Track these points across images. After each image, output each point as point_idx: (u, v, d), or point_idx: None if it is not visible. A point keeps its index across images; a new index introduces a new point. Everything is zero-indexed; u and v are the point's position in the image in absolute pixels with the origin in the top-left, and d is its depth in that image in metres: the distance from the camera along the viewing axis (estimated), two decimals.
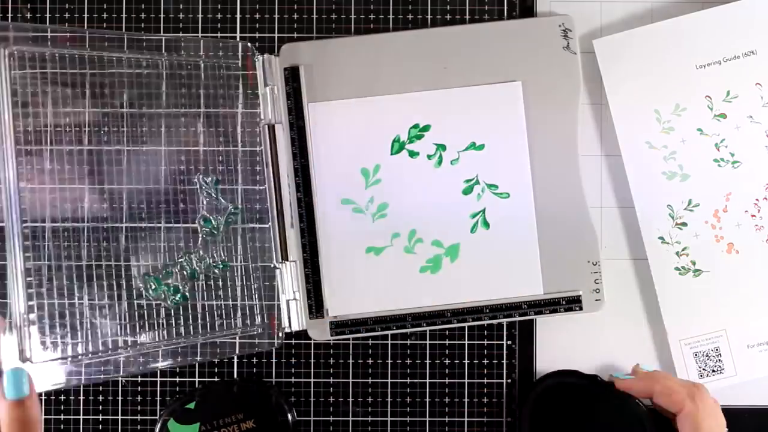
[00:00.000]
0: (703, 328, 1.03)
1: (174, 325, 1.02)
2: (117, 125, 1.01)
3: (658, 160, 1.03)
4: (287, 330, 1.01)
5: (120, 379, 1.03)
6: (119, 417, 1.02)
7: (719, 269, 1.03)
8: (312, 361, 1.04)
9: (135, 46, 1.02)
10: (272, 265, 1.01)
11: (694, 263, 1.03)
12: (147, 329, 1.01)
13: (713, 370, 1.03)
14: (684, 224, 1.03)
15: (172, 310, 1.01)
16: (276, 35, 1.03)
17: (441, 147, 1.02)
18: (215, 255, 1.02)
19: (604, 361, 1.04)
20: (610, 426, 1.01)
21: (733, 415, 1.04)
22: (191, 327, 1.02)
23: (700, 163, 1.03)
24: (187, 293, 1.01)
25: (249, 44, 1.02)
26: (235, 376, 1.04)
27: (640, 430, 1.00)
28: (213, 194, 1.02)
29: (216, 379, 1.04)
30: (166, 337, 1.01)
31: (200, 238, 1.02)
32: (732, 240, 1.03)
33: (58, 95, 1.01)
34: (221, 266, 1.02)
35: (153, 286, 1.01)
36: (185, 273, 1.02)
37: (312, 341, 1.03)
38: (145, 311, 1.01)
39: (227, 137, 1.02)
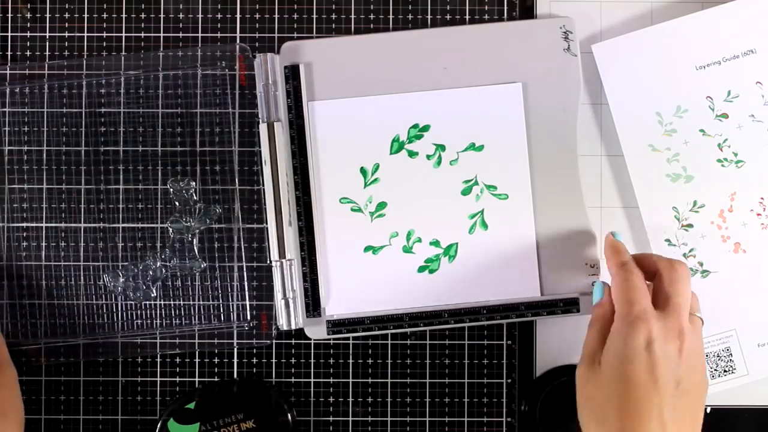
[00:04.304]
0: (713, 329, 1.03)
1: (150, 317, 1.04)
2: (115, 127, 1.02)
3: (661, 162, 1.02)
4: (284, 328, 1.01)
5: (120, 379, 1.03)
6: (119, 417, 1.03)
7: (727, 269, 1.03)
8: (312, 361, 1.04)
9: (132, 61, 1.03)
10: (268, 263, 1.02)
11: (701, 264, 1.02)
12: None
13: (725, 371, 1.02)
14: (690, 226, 1.02)
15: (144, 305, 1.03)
16: (276, 35, 1.03)
17: (440, 147, 1.02)
18: (188, 256, 1.03)
19: None
20: None
21: (733, 414, 1.04)
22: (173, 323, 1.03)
23: (703, 164, 1.02)
24: (152, 291, 1.02)
25: (245, 45, 1.02)
26: (235, 376, 1.04)
27: None
28: (186, 196, 1.03)
29: (216, 379, 1.04)
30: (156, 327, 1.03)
31: (170, 239, 1.03)
32: (739, 239, 1.02)
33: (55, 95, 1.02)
34: (197, 267, 1.03)
35: (111, 282, 1.02)
36: (149, 272, 1.03)
37: (312, 341, 1.03)
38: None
39: (223, 137, 1.02)
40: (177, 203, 1.02)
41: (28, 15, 1.02)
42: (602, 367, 0.88)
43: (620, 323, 0.88)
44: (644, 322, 0.86)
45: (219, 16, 1.03)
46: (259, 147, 1.02)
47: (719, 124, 1.02)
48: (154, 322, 1.03)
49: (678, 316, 0.88)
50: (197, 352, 1.03)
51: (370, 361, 1.04)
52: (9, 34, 1.02)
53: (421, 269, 1.02)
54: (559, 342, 1.04)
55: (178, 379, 1.04)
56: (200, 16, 1.03)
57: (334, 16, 1.04)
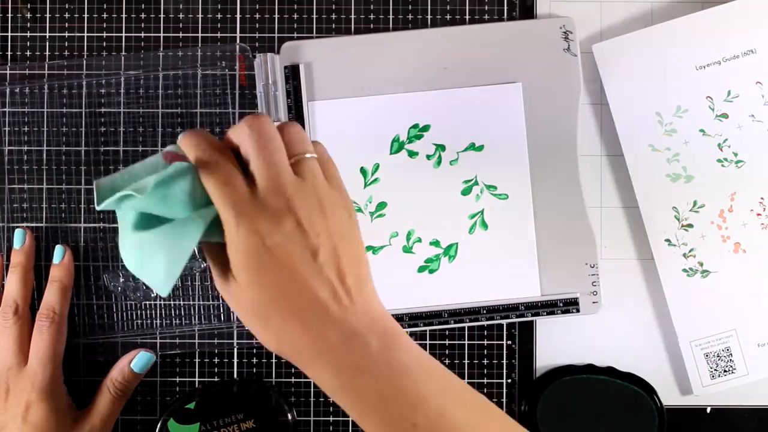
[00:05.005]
0: (713, 329, 1.03)
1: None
2: (115, 127, 1.02)
3: (661, 162, 1.02)
4: None
5: None
6: (119, 417, 1.02)
7: (727, 269, 1.03)
8: None
9: (132, 61, 1.03)
10: None
11: (701, 264, 1.02)
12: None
13: (725, 371, 1.02)
14: (690, 226, 1.02)
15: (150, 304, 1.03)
16: (276, 35, 1.03)
17: (440, 147, 1.02)
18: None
19: (607, 362, 1.04)
20: (623, 422, 1.01)
21: (733, 414, 1.04)
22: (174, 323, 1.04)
23: (703, 164, 1.02)
24: (152, 291, 1.02)
25: (245, 45, 1.02)
26: (235, 376, 1.04)
27: (652, 426, 1.01)
28: None
29: (216, 379, 1.04)
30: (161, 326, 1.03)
31: None
32: (739, 240, 1.02)
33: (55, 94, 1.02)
34: (197, 267, 1.02)
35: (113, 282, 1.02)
36: None
37: None
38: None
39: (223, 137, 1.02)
40: None
41: (28, 15, 1.02)
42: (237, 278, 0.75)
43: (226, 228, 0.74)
44: (243, 217, 0.73)
45: (219, 16, 1.03)
46: None
47: (719, 124, 1.02)
48: (154, 322, 1.03)
49: (274, 189, 0.74)
50: (197, 352, 1.03)
51: None
52: (9, 34, 1.02)
53: (421, 269, 1.02)
54: (559, 342, 1.04)
55: (178, 379, 1.04)
56: (200, 16, 1.03)
57: (334, 16, 1.03)
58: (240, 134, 0.76)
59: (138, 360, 1.00)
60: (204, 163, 0.75)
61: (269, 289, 0.74)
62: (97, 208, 0.75)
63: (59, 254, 1.00)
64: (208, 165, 0.74)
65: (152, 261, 0.75)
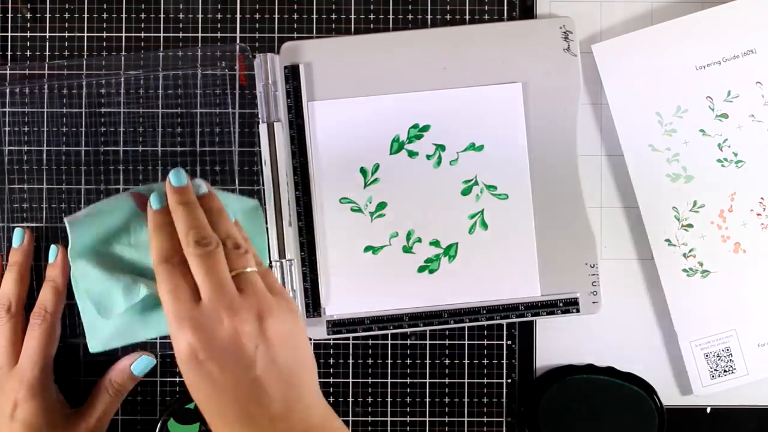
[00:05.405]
0: (713, 329, 1.03)
1: None
2: (115, 127, 1.02)
3: (661, 162, 1.02)
4: None
5: None
6: (119, 417, 1.02)
7: (727, 269, 1.02)
8: None
9: (132, 61, 1.03)
10: (269, 263, 1.01)
11: (701, 264, 1.02)
12: None
13: (725, 371, 1.02)
14: (690, 226, 1.02)
15: None
16: (276, 35, 1.03)
17: (440, 147, 1.02)
18: None
19: (608, 362, 1.04)
20: (623, 422, 1.01)
21: (733, 414, 1.04)
22: None
23: (703, 164, 1.02)
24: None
25: (245, 45, 1.02)
26: None
27: (652, 426, 1.01)
28: None
29: None
30: None
31: None
32: (739, 240, 1.02)
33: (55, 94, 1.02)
34: None
35: None
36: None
37: (312, 341, 1.03)
38: None
39: (223, 138, 1.02)
40: None
41: (28, 15, 1.02)
42: None
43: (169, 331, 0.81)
44: (181, 330, 0.78)
45: (219, 16, 1.03)
46: (259, 147, 1.02)
47: (719, 124, 1.02)
48: None
49: (214, 307, 0.79)
50: None
51: (370, 361, 1.04)
52: (9, 34, 1.02)
53: (421, 269, 1.02)
54: (559, 342, 1.04)
55: (178, 379, 1.03)
56: (200, 16, 1.03)
57: (334, 16, 1.03)
58: (182, 233, 0.83)
59: (138, 363, 1.00)
60: (158, 264, 0.82)
61: (205, 398, 0.79)
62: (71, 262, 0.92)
63: (53, 254, 1.00)
64: (161, 270, 0.82)
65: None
